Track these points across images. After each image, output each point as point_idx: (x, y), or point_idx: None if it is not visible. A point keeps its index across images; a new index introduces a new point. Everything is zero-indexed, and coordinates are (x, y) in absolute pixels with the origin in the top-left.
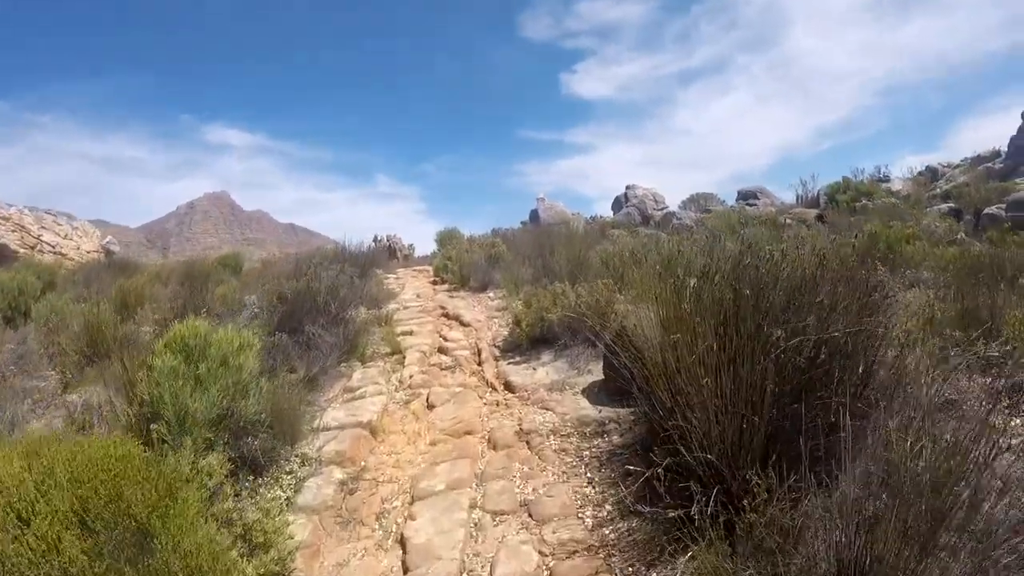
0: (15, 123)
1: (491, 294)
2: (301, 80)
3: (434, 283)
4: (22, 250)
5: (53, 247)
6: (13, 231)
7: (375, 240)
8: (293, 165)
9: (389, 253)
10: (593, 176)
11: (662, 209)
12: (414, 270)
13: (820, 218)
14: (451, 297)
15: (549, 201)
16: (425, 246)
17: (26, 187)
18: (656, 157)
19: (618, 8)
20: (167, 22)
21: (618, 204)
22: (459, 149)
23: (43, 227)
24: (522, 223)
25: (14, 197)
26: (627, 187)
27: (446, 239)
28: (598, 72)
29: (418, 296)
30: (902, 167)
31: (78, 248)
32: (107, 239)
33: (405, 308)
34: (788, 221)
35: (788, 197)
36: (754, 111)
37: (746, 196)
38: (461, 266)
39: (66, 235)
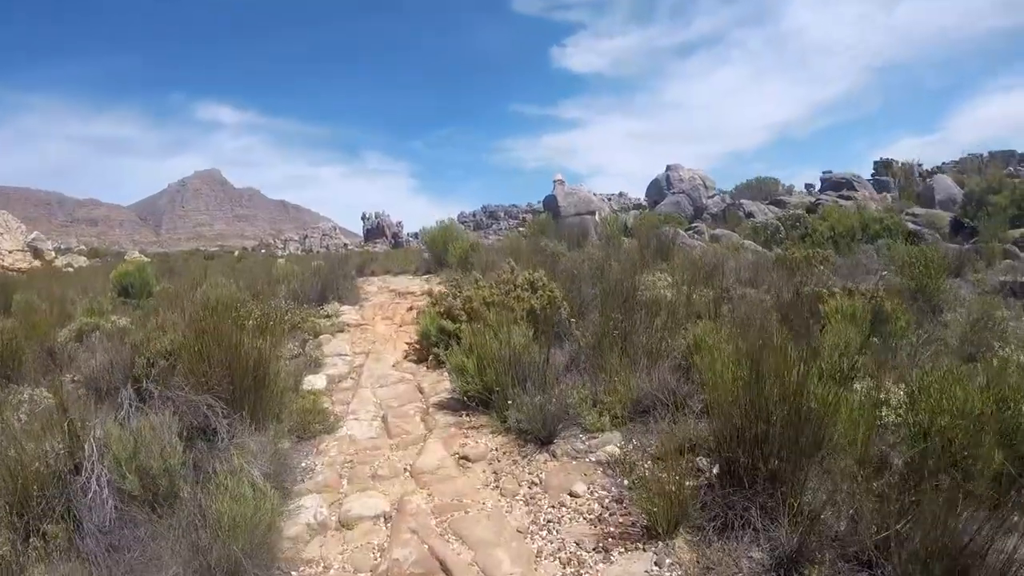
0: (2, 105)
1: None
2: (290, 56)
3: (416, 357)
4: None
5: None
6: None
7: (363, 218)
8: (284, 142)
9: (378, 232)
10: (581, 152)
11: (712, 196)
12: (390, 290)
13: (958, 225)
14: (461, 467)
15: (570, 185)
16: (415, 222)
17: (14, 169)
18: (648, 132)
19: None
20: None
21: (656, 188)
22: (448, 125)
23: None
24: (533, 211)
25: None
26: (668, 168)
27: (438, 240)
28: (590, 45)
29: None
30: None
31: None
32: (33, 235)
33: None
34: (914, 226)
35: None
36: (750, 87)
37: (837, 186)
38: (482, 358)
39: None
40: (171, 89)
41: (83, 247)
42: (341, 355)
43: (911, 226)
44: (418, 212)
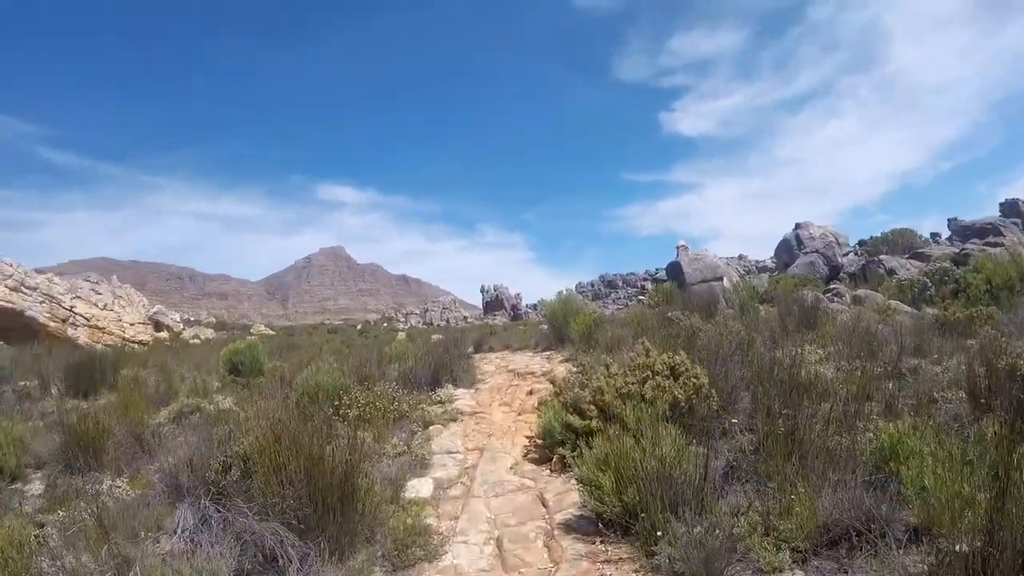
0: (131, 186)
1: None
2: (402, 135)
3: (538, 456)
4: (52, 323)
5: (88, 320)
6: (41, 302)
7: (482, 291)
8: (402, 218)
9: (496, 304)
10: (696, 216)
11: (847, 254)
12: (509, 369)
13: None
14: None
15: (694, 251)
16: (533, 294)
17: (149, 245)
18: (762, 191)
19: (712, 39)
20: (268, 93)
21: (786, 248)
22: (561, 196)
23: (77, 296)
24: (654, 279)
25: (130, 255)
26: (797, 226)
27: (558, 313)
28: (697, 108)
29: None
30: None
31: (119, 320)
32: (155, 308)
33: None
34: None
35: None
36: (863, 135)
37: (981, 233)
38: (621, 471)
39: (105, 305)
40: (290, 172)
41: (212, 319)
42: (452, 452)
43: None
44: (536, 283)
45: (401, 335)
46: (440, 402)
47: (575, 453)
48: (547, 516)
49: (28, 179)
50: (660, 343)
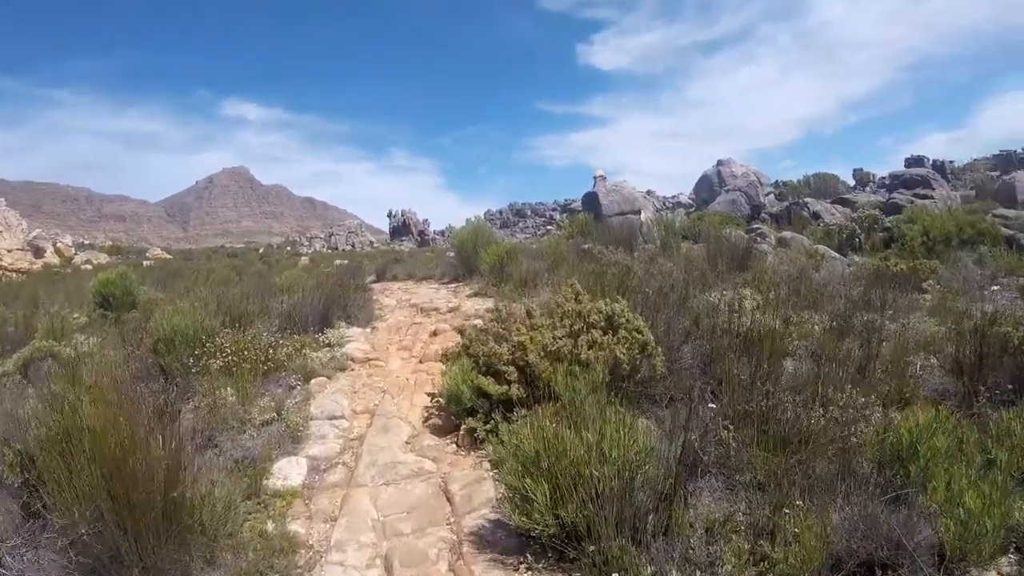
0: (30, 99)
1: None
2: (314, 52)
3: (441, 425)
4: None
5: None
6: None
7: (389, 216)
8: (310, 138)
9: (404, 229)
10: (606, 150)
11: (768, 194)
12: (412, 304)
13: None
14: None
15: (612, 181)
16: (441, 220)
17: (42, 165)
18: (673, 130)
19: None
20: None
21: (706, 185)
22: (475, 123)
23: None
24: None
25: (29, 175)
26: (719, 163)
27: (468, 243)
28: (616, 42)
29: None
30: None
31: None
32: (34, 233)
33: None
34: (1007, 230)
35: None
36: (777, 83)
37: (908, 183)
38: (558, 476)
39: None
40: (197, 85)
41: (108, 243)
42: (335, 418)
43: (1004, 230)
44: (445, 210)
45: (304, 260)
46: (328, 345)
47: (488, 427)
48: (453, 520)
49: None
50: (587, 283)
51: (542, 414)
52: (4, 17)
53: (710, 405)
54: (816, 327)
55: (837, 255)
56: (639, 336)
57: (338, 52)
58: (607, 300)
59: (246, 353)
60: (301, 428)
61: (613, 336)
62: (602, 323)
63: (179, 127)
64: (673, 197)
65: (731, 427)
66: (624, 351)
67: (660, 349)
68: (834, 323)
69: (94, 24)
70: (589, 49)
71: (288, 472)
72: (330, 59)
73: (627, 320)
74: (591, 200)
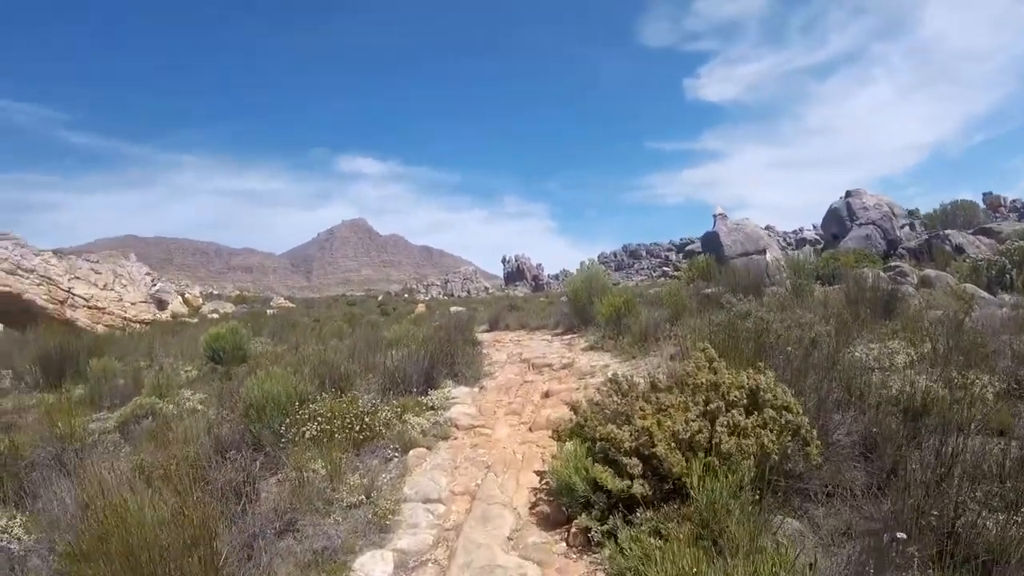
0: (158, 164)
1: None
2: (422, 106)
3: (551, 518)
4: (51, 305)
5: (87, 300)
6: (39, 284)
7: (503, 261)
8: (423, 189)
9: (518, 274)
10: (722, 185)
11: (902, 227)
12: (523, 359)
13: None
14: None
15: (733, 219)
16: (555, 264)
17: (172, 222)
18: (791, 159)
19: (737, 2)
20: (285, 63)
21: (835, 219)
22: (583, 165)
23: (75, 276)
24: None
25: (160, 231)
26: (848, 194)
27: (581, 292)
28: (723, 73)
29: None
30: None
31: (120, 300)
32: (156, 286)
33: None
34: None
35: None
36: (895, 104)
37: None
38: None
39: (104, 285)
40: (312, 144)
41: (235, 292)
42: (429, 501)
43: None
44: (557, 253)
45: (420, 308)
46: (431, 408)
47: (606, 527)
48: None
49: (51, 163)
50: (716, 340)
51: (674, 532)
52: (132, 92)
53: (899, 535)
54: (987, 391)
55: (987, 295)
56: (790, 417)
57: (445, 105)
58: (749, 372)
59: (341, 421)
60: (392, 514)
61: (758, 416)
62: (744, 400)
63: (298, 183)
64: (796, 232)
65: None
66: (772, 438)
67: (815, 432)
68: (1009, 385)
69: (209, 95)
70: (696, 83)
71: (371, 570)
72: (438, 112)
73: (774, 396)
74: (711, 240)
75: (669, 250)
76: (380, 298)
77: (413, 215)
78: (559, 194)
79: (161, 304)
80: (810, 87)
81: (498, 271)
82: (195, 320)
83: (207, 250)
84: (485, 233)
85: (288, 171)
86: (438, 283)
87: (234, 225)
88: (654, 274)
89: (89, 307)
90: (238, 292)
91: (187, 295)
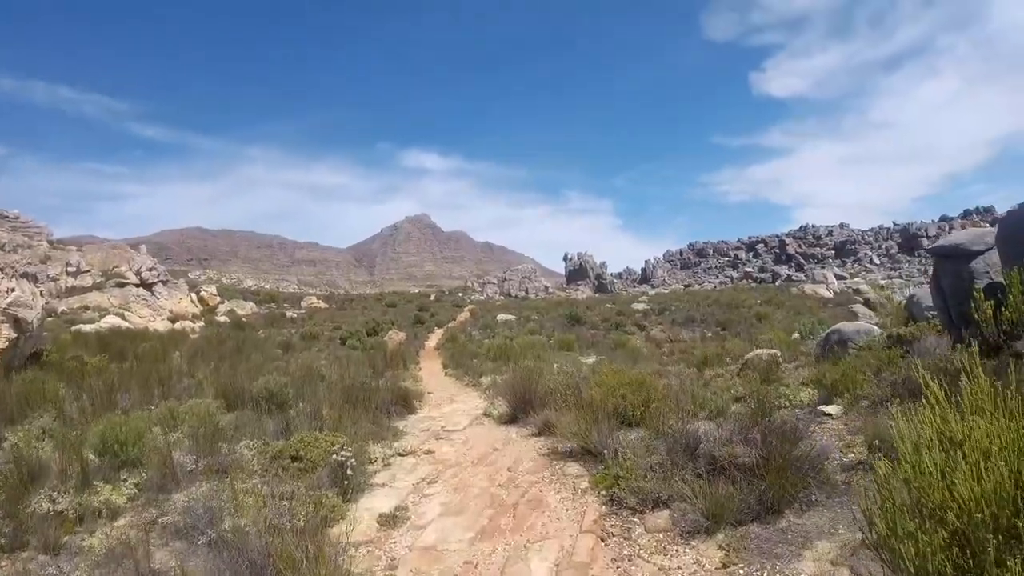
0: (226, 156)
1: None
2: (487, 102)
3: None
4: None
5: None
6: None
7: (565, 259)
8: (487, 184)
9: (580, 273)
10: (787, 182)
11: None
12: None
13: None
14: None
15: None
16: (618, 262)
17: (238, 215)
18: (860, 155)
19: None
20: (355, 58)
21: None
22: (648, 160)
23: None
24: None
25: (227, 224)
26: None
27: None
28: (789, 66)
29: None
30: None
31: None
32: (15, 296)
33: None
34: None
35: None
36: (962, 98)
37: None
38: None
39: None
40: (376, 139)
41: (302, 285)
42: None
43: None
44: (622, 251)
45: (465, 313)
46: None
47: None
48: None
49: (120, 154)
50: None
51: None
52: (203, 85)
53: None
54: None
55: None
56: None
57: (511, 101)
58: None
59: None
60: None
61: None
62: None
63: (363, 178)
64: (871, 230)
65: None
66: None
67: None
68: None
69: (280, 89)
70: (762, 76)
71: None
72: (503, 107)
73: None
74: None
75: (738, 248)
76: (432, 296)
77: (476, 211)
78: (625, 190)
79: (17, 323)
80: (878, 80)
81: (560, 268)
82: (199, 325)
83: (271, 243)
84: (548, 230)
85: (353, 166)
86: (495, 281)
87: (298, 218)
88: (722, 273)
89: None
90: (308, 286)
91: (203, 292)
